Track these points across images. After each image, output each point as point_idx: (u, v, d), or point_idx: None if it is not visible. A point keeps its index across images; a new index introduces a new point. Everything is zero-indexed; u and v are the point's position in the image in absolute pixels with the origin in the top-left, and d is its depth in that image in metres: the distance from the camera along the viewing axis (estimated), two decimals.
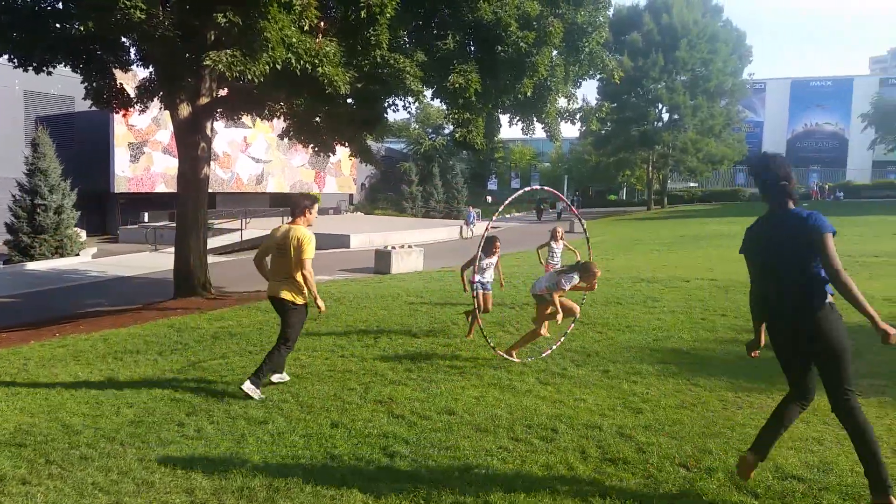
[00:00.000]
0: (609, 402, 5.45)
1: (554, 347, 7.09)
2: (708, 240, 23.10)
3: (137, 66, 13.91)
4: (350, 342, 7.80)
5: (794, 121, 66.56)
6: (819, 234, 3.37)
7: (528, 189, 8.00)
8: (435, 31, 11.69)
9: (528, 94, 11.74)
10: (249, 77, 8.94)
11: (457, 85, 10.51)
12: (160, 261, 21.83)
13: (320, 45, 9.55)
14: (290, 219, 6.01)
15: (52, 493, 3.96)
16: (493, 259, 8.15)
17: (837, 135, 65.14)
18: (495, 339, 7.81)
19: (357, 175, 51.04)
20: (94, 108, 14.82)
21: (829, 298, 3.44)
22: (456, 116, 11.47)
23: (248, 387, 5.66)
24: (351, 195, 51.66)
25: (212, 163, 16.01)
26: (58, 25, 11.61)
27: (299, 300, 5.88)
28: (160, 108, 17.07)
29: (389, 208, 52.01)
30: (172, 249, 14.04)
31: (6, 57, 11.86)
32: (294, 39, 9.04)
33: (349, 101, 12.12)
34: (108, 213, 35.29)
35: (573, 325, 7.52)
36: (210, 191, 14.99)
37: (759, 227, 3.72)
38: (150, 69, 13.63)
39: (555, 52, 12.04)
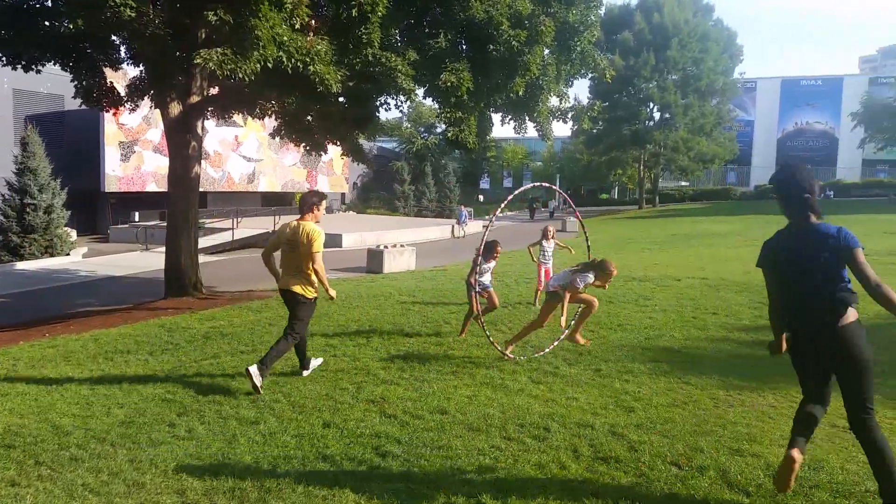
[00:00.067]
0: (601, 400, 5.46)
1: (550, 348, 7.10)
2: (699, 239, 23.20)
3: (128, 64, 13.82)
4: (342, 342, 7.79)
5: (785, 120, 66.91)
6: (849, 251, 3.30)
7: (533, 185, 8.19)
8: (427, 30, 11.67)
9: (520, 93, 11.75)
10: (240, 75, 8.89)
11: (449, 83, 10.49)
12: (151, 260, 21.73)
13: (311, 43, 9.51)
14: (299, 215, 6.20)
15: (42, 495, 3.93)
16: (493, 263, 8.19)
17: (827, 134, 65.53)
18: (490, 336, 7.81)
19: (349, 174, 50.95)
20: (84, 107, 14.72)
21: (857, 315, 3.37)
22: (448, 115, 11.46)
23: (253, 370, 5.81)
24: (343, 194, 51.56)
25: (203, 162, 15.95)
26: (47, 23, 11.51)
27: (310, 294, 6.12)
28: (151, 107, 16.95)
29: (381, 207, 51.94)
30: (163, 249, 13.95)
31: None
32: (285, 37, 9.00)
33: (341, 99, 12.08)
34: (98, 212, 35.09)
35: (570, 328, 7.52)
36: (201, 190, 14.91)
37: (780, 241, 3.59)
38: (141, 67, 13.54)
39: (546, 51, 12.05)
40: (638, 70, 44.63)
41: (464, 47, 11.74)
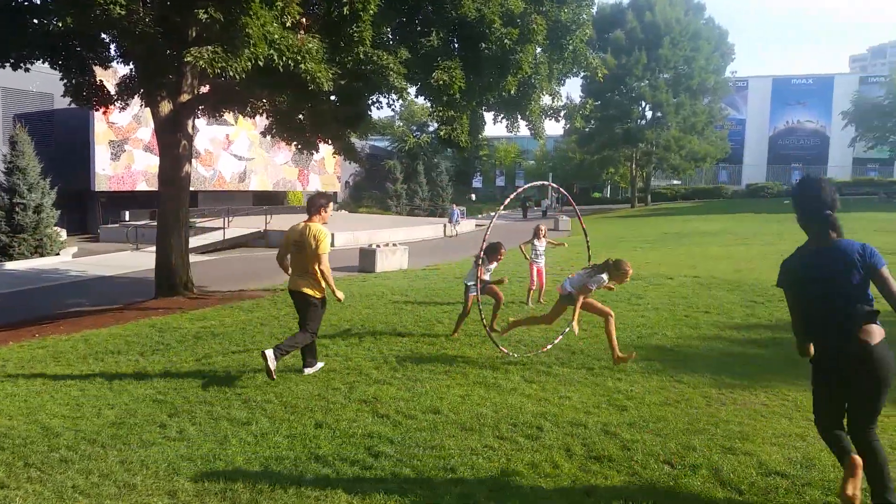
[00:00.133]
0: (594, 399, 5.46)
1: (550, 346, 7.10)
2: (691, 237, 23.26)
3: (117, 62, 13.71)
4: (334, 341, 7.76)
5: (776, 118, 67.17)
6: (877, 269, 3.24)
7: (541, 184, 8.22)
8: (419, 28, 11.64)
9: (513, 91, 11.75)
10: (231, 74, 8.85)
11: (441, 82, 10.47)
12: (142, 260, 21.60)
13: (303, 41, 9.47)
14: (307, 217, 6.29)
15: (32, 497, 3.90)
16: (496, 264, 8.21)
17: (818, 132, 65.81)
18: (483, 335, 7.81)
19: (341, 173, 50.82)
20: (73, 106, 14.61)
21: (883, 334, 3.30)
22: (440, 114, 11.44)
23: (269, 353, 5.89)
24: (335, 193, 51.45)
25: (193, 160, 15.87)
26: (35, 21, 11.41)
27: (318, 294, 6.24)
28: (141, 106, 16.85)
29: (374, 206, 51.85)
30: (154, 248, 13.87)
31: None
32: (276, 36, 8.96)
33: (332, 98, 12.04)
34: (88, 211, 34.85)
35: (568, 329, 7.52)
36: (192, 189, 14.84)
37: (801, 260, 3.47)
38: (131, 66, 13.45)
39: (539, 50, 12.05)
40: (630, 69, 44.71)
41: (456, 46, 11.72)
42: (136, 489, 3.96)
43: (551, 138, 57.98)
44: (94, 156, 32.11)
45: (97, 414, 5.39)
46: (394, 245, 18.41)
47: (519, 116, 13.05)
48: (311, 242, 6.07)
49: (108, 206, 34.33)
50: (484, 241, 7.62)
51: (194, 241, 20.97)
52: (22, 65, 11.74)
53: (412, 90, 11.95)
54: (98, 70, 13.24)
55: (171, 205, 12.98)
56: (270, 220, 28.59)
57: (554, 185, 8.51)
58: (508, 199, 7.93)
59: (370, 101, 12.71)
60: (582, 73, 13.69)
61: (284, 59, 9.19)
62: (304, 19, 9.95)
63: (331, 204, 6.40)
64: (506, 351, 6.88)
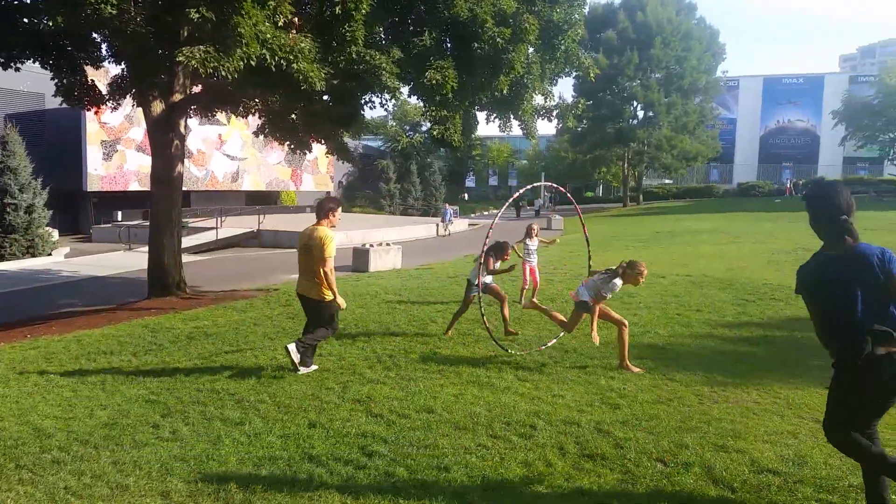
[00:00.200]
0: (587, 398, 5.48)
1: (550, 343, 7.12)
2: (683, 236, 23.32)
3: (109, 62, 13.65)
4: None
5: (767, 117, 67.46)
6: (893, 275, 3.12)
7: (538, 185, 8.44)
8: (411, 28, 11.64)
9: (505, 91, 11.76)
10: (223, 73, 8.82)
11: (434, 81, 10.48)
12: (134, 260, 21.51)
13: (295, 40, 9.45)
14: (315, 220, 6.37)
15: (23, 499, 3.88)
16: (499, 263, 8.19)
17: (809, 131, 66.13)
18: (476, 334, 7.82)
19: (334, 173, 50.72)
20: (65, 106, 14.54)
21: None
22: (433, 113, 11.45)
23: (292, 347, 6.11)
24: (328, 193, 51.38)
25: (186, 160, 15.83)
26: (26, 20, 11.35)
27: (328, 296, 6.28)
28: (133, 106, 16.80)
29: (367, 206, 51.81)
30: (146, 249, 13.82)
31: None
32: (268, 35, 8.94)
33: (325, 97, 12.02)
34: (80, 211, 34.69)
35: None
36: (184, 189, 14.78)
37: (818, 266, 3.36)
38: (123, 66, 13.40)
39: (531, 50, 12.07)
40: (622, 69, 44.81)
41: (448, 45, 11.74)
42: (129, 490, 3.94)
43: (543, 138, 58.10)
44: (85, 156, 31.96)
45: (89, 415, 5.37)
46: (387, 244, 18.40)
47: (511, 116, 13.06)
48: (317, 246, 6.15)
49: (101, 206, 34.17)
50: (486, 239, 7.61)
51: (187, 241, 20.90)
52: (12, 64, 11.67)
53: (405, 90, 11.97)
54: (89, 70, 13.19)
55: (164, 205, 12.94)
56: (263, 220, 28.52)
57: (556, 185, 8.58)
58: (512, 199, 7.95)
59: (363, 101, 12.70)
60: (574, 73, 13.72)
61: (277, 58, 9.18)
62: (296, 19, 9.93)
63: (339, 208, 6.46)
64: (507, 349, 6.91)
